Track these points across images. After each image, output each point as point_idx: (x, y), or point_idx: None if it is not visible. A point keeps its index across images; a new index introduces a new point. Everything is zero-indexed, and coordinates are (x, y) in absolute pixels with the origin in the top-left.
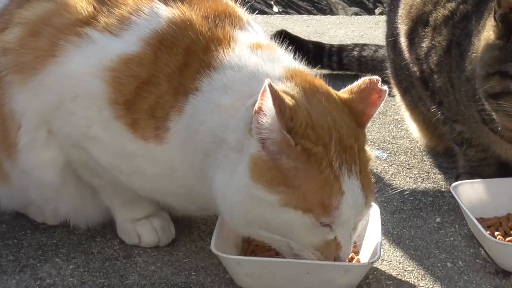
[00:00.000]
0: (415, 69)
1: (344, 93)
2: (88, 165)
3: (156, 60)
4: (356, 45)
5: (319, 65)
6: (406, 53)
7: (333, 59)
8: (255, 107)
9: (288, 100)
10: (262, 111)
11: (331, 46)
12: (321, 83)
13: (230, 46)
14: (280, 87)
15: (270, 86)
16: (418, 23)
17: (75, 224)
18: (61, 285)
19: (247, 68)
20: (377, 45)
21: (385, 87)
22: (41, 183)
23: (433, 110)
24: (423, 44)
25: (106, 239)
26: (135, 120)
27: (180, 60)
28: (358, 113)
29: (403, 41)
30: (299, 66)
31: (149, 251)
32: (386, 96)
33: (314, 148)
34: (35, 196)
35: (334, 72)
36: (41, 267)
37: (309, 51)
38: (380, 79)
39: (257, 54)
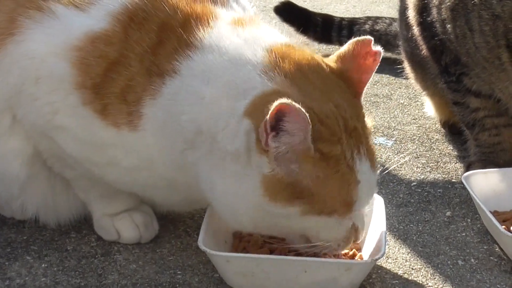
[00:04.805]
0: (426, 44)
1: (336, 62)
2: (58, 156)
3: (126, 38)
4: (368, 18)
5: (328, 40)
6: (415, 28)
7: (343, 33)
8: (265, 126)
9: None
10: (283, 131)
11: (342, 19)
12: (310, 56)
13: (209, 24)
14: (267, 86)
15: (297, 108)
16: None
17: (44, 222)
18: (32, 285)
19: (227, 53)
20: (392, 18)
21: (379, 48)
22: (6, 176)
23: (446, 86)
24: (434, 0)
25: (82, 235)
26: (105, 105)
27: (153, 38)
28: (354, 83)
29: (412, 15)
30: (285, 39)
31: (130, 248)
32: (392, 78)
33: (331, 150)
34: (0, 191)
35: None
36: (10, 266)
37: (318, 25)
38: (372, 39)
39: (238, 34)
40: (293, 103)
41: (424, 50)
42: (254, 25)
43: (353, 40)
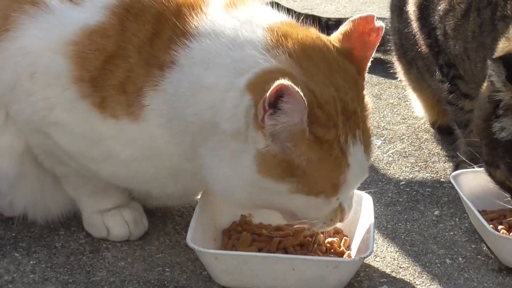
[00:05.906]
0: (424, 41)
1: (342, 41)
2: (51, 152)
3: (123, 30)
4: None
5: None
6: (414, 23)
7: (330, 33)
8: (263, 103)
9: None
10: (280, 110)
11: (328, 19)
12: (314, 35)
13: (202, 10)
14: (270, 63)
15: (295, 91)
16: None
17: (33, 219)
18: (20, 282)
19: (224, 34)
20: (379, 18)
21: (381, 23)
22: None
23: (440, 85)
24: (439, 7)
25: (70, 232)
26: (104, 98)
27: (149, 29)
28: (359, 61)
29: (412, 10)
30: (284, 17)
31: (118, 245)
32: (382, 78)
33: (326, 134)
34: None
35: None
36: None
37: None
38: (375, 15)
39: (232, 16)
40: (293, 85)
41: (421, 45)
42: (247, 5)
43: (356, 17)
